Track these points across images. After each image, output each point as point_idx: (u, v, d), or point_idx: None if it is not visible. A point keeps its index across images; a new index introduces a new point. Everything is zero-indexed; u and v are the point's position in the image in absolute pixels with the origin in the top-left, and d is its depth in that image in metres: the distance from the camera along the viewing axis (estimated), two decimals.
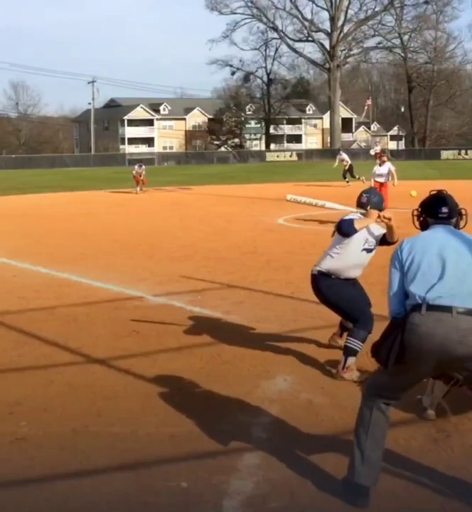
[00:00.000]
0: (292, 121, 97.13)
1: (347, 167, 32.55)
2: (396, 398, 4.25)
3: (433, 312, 3.92)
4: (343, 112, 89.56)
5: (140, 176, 30.54)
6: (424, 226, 4.28)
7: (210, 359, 6.65)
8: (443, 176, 36.08)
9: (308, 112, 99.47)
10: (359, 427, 4.21)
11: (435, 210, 4.22)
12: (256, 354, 6.81)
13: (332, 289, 6.37)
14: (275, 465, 4.55)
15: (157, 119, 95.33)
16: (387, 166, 19.57)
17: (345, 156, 33.77)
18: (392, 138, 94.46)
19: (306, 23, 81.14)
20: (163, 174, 45.32)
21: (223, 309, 8.62)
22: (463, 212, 4.30)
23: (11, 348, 7.12)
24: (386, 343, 4.05)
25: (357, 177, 31.62)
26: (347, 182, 31.43)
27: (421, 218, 4.30)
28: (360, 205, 6.43)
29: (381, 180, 19.31)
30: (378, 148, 36.11)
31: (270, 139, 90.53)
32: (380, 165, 19.81)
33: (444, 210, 4.19)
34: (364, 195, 6.47)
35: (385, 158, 20.14)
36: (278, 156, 72.18)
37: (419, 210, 4.32)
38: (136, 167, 31.66)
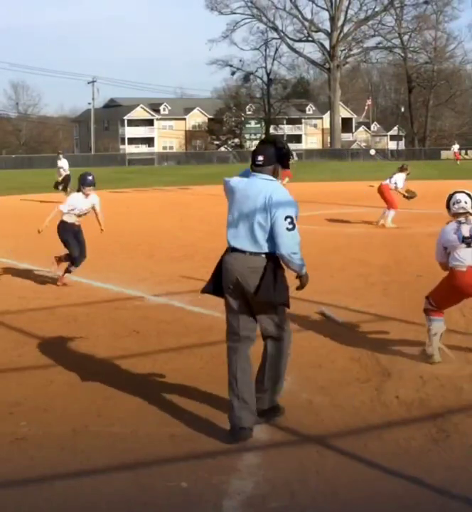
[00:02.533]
0: (292, 121, 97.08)
1: (62, 177, 26.55)
2: (238, 334, 5.00)
3: (233, 253, 4.91)
4: (343, 112, 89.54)
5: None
6: None
7: (210, 359, 6.64)
8: (443, 176, 36.07)
9: (308, 112, 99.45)
10: (230, 376, 4.94)
11: (253, 158, 4.87)
12: (257, 354, 6.80)
13: None
14: (275, 465, 4.55)
15: (157, 119, 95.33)
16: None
17: (64, 162, 27.14)
18: (392, 138, 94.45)
19: (306, 23, 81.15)
20: (163, 174, 45.34)
21: (223, 309, 8.60)
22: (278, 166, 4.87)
23: (11, 348, 7.12)
24: (212, 278, 5.10)
25: (60, 188, 25.96)
26: (61, 190, 25.64)
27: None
28: None
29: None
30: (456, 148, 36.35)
31: None
32: None
33: (259, 158, 4.81)
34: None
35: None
36: None
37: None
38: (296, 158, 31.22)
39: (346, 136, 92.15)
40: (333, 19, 79.50)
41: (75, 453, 4.74)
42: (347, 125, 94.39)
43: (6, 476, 4.48)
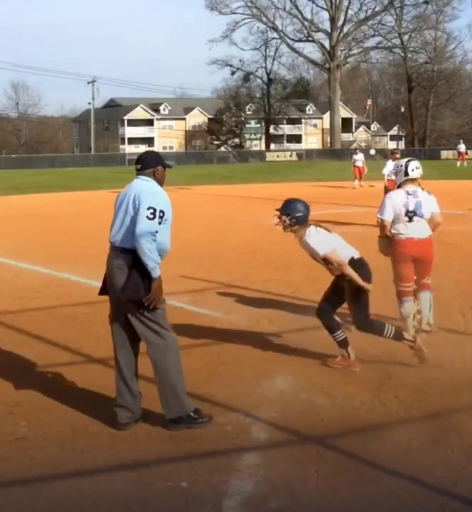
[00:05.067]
0: (292, 121, 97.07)
1: None
2: (115, 341, 5.25)
3: (113, 251, 5.10)
4: (343, 112, 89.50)
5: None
6: None
7: (210, 359, 6.65)
8: (443, 176, 36.06)
9: (308, 112, 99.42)
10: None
11: (135, 165, 5.27)
12: (256, 354, 6.81)
13: None
14: (275, 465, 4.55)
15: (157, 119, 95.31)
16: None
17: None
18: (392, 138, 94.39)
19: (306, 23, 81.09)
20: None
21: (223, 309, 8.62)
22: (158, 169, 5.20)
23: (11, 348, 7.13)
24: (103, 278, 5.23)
25: None
26: None
27: None
28: None
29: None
30: None
31: (270, 139, 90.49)
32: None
33: (138, 166, 5.21)
34: None
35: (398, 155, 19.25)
36: (278, 156, 72.13)
37: None
38: (360, 155, 30.97)
39: (346, 136, 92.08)
40: (333, 19, 79.44)
41: (75, 453, 4.75)
42: (347, 125, 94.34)
43: (6, 476, 4.48)
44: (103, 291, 5.28)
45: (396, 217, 7.19)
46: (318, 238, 6.26)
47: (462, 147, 53.23)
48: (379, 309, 8.41)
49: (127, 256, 4.99)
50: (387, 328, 6.37)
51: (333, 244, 6.30)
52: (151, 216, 4.93)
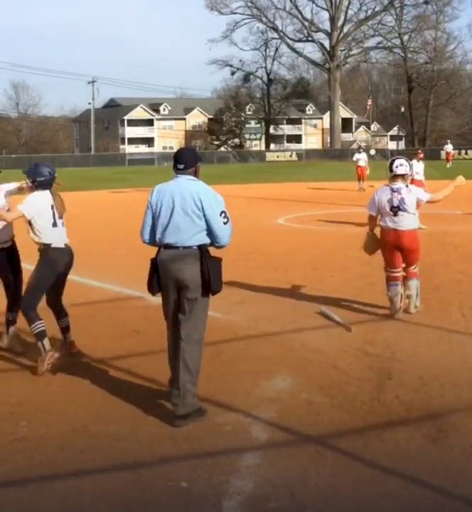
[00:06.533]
0: (292, 121, 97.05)
1: None
2: (168, 320, 5.44)
3: (167, 249, 5.28)
4: (343, 112, 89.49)
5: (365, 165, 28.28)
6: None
7: (210, 359, 6.64)
8: (443, 176, 36.06)
9: (308, 112, 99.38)
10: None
11: (174, 165, 5.39)
12: (256, 354, 6.81)
13: None
14: (275, 465, 4.55)
15: (157, 119, 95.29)
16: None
17: None
18: (392, 138, 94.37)
19: (306, 23, 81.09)
20: (163, 174, 45.26)
21: (223, 309, 8.61)
22: (198, 165, 5.42)
23: (11, 348, 7.12)
24: (150, 276, 5.40)
25: None
26: None
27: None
28: None
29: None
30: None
31: (270, 139, 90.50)
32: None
33: (180, 166, 5.34)
34: None
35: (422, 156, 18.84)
36: (278, 156, 72.15)
37: None
38: (364, 154, 29.51)
39: (346, 136, 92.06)
40: (333, 19, 79.43)
41: (75, 453, 4.74)
42: (347, 125, 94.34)
43: (6, 476, 4.48)
44: (158, 288, 5.41)
45: (382, 211, 7.95)
46: (30, 199, 6.59)
47: (449, 147, 53.45)
48: (378, 309, 8.43)
49: (194, 253, 5.22)
50: (37, 324, 6.50)
51: (35, 210, 6.64)
52: (225, 220, 5.34)
